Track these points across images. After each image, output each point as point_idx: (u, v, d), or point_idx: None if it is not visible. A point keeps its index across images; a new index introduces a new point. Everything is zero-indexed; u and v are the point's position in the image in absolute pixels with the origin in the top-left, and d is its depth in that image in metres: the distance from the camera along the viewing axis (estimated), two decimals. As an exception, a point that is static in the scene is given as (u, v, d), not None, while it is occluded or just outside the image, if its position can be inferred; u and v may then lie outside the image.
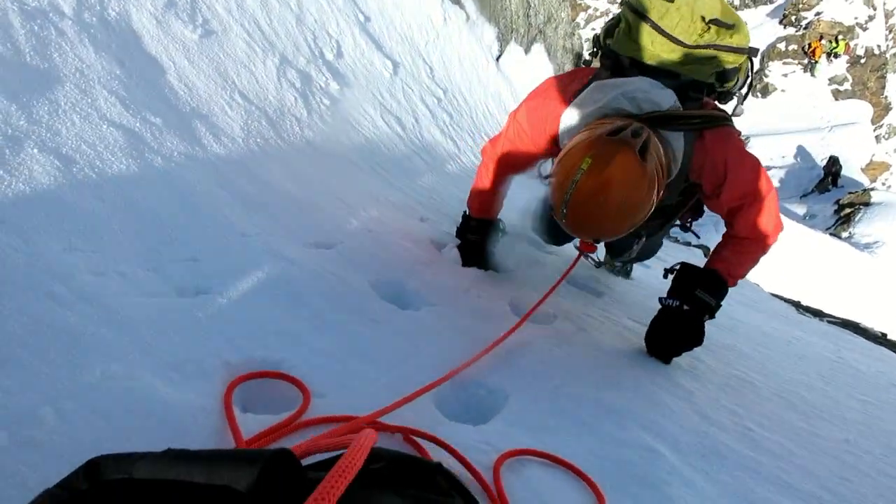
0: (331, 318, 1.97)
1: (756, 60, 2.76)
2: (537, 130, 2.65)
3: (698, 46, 2.50)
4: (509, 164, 2.87)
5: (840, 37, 32.59)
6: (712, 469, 1.94)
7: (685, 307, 2.64)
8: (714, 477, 1.90)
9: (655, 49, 2.49)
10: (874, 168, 31.32)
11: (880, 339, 7.84)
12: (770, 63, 33.89)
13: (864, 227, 22.81)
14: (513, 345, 2.36)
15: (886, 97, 34.29)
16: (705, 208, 2.89)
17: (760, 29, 35.87)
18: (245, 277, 1.95)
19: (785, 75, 33.53)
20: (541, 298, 2.64)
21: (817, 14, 33.60)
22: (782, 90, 33.29)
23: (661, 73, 2.50)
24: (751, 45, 2.62)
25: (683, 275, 2.71)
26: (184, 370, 1.52)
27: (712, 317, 2.69)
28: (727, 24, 2.52)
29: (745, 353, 3.58)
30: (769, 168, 28.90)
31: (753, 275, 15.85)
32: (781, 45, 33.82)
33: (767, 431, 2.39)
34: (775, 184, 27.77)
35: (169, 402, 1.37)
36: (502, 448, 1.64)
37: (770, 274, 16.25)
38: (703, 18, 2.47)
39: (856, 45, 32.76)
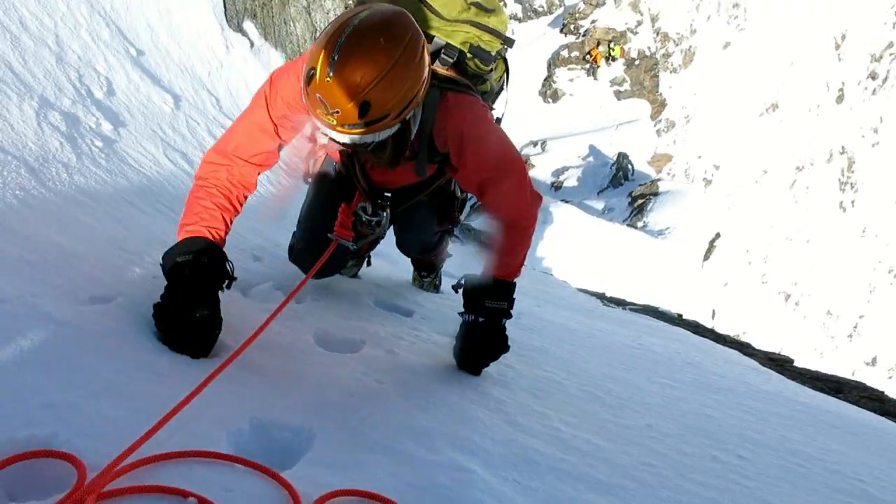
0: (110, 378, 1.81)
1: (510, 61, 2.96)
2: (289, 92, 2.36)
3: (457, 21, 2.63)
4: (248, 155, 2.40)
5: (614, 42, 35.27)
6: (523, 477, 1.98)
7: (481, 319, 2.70)
8: (525, 485, 1.93)
9: (418, 19, 2.32)
10: (658, 160, 34.13)
11: (676, 320, 8.50)
12: (556, 70, 36.04)
13: (655, 216, 24.81)
14: (319, 379, 2.29)
15: (661, 94, 37.57)
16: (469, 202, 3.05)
17: (544, 38, 38.08)
18: (5, 350, 1.74)
19: (571, 80, 35.78)
20: (265, 321, 2.25)
21: (593, 22, 36.19)
22: (570, 94, 35.50)
23: None
24: (508, 35, 2.77)
25: (469, 289, 2.76)
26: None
27: (509, 316, 2.76)
28: (486, 8, 2.67)
29: (553, 352, 3.73)
30: (566, 168, 30.71)
31: (561, 273, 16.75)
32: (564, 53, 36.08)
33: (575, 429, 2.48)
34: (573, 183, 29.60)
35: None
36: (312, 494, 1.57)
37: (576, 269, 17.26)
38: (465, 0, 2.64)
39: (629, 48, 35.60)
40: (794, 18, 53.62)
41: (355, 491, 1.64)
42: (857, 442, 3.47)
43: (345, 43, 1.95)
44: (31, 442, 1.51)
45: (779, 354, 8.07)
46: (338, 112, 2.01)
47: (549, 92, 35.83)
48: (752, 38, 47.82)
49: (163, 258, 2.23)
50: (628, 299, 10.89)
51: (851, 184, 57.68)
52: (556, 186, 30.09)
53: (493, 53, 2.74)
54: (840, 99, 56.84)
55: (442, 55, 2.59)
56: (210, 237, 2.28)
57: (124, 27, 5.09)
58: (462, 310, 2.77)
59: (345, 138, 2.10)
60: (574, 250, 18.67)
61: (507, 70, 2.94)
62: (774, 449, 2.88)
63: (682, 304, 18.78)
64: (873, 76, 59.64)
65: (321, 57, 1.97)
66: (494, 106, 2.96)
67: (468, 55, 2.68)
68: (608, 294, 11.00)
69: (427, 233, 3.33)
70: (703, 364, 4.93)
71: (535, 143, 33.07)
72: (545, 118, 34.96)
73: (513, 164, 2.57)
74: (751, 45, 47.70)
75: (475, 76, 2.75)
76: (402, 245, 3.49)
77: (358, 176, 2.85)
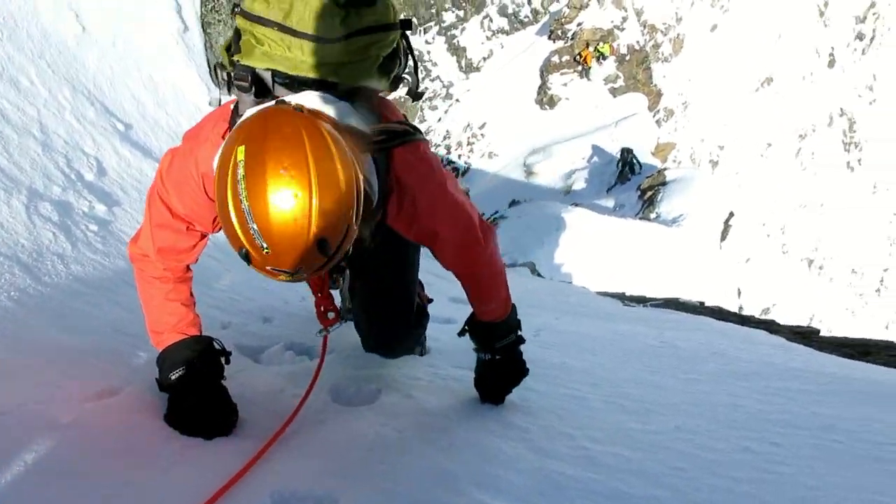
0: (125, 476, 1.77)
1: (411, 40, 2.32)
2: (188, 195, 2.06)
3: (348, 37, 1.96)
4: (175, 254, 2.19)
5: (603, 41, 35.26)
6: None
7: (497, 357, 2.65)
8: (554, 513, 1.89)
9: (295, 55, 1.94)
10: (662, 150, 34.00)
11: (699, 309, 8.42)
12: (549, 76, 36.05)
13: (666, 205, 24.63)
14: (338, 438, 2.25)
15: (655, 85, 37.44)
16: None
17: (533, 47, 38.16)
18: (8, 467, 1.71)
19: (565, 84, 35.77)
20: (294, 410, 2.28)
21: (579, 24, 36.21)
22: (566, 98, 35.46)
23: (315, 84, 1.99)
24: (402, 17, 2.12)
25: (475, 335, 2.67)
26: None
27: (523, 341, 2.69)
28: (364, 1, 2.00)
29: (574, 366, 3.66)
30: (573, 172, 30.64)
31: (581, 277, 16.63)
32: (555, 59, 36.10)
33: (602, 444, 2.42)
34: (581, 185, 29.53)
35: None
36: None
37: (595, 272, 17.14)
38: (335, 2, 1.95)
39: (618, 45, 35.57)
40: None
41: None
42: (889, 405, 3.40)
43: (252, 206, 1.58)
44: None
45: (804, 327, 7.95)
46: (301, 268, 1.69)
47: (546, 99, 35.82)
48: (738, 18, 47.70)
49: (158, 377, 2.19)
50: (650, 294, 10.80)
51: (855, 143, 57.21)
52: (566, 191, 30.02)
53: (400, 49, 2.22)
54: (832, 63, 56.47)
55: (356, 107, 2.03)
56: (187, 335, 2.22)
57: (109, 103, 5.11)
58: (475, 346, 2.72)
59: (328, 268, 1.79)
60: (591, 253, 18.55)
61: (409, 49, 2.31)
62: (806, 428, 2.81)
63: (706, 288, 18.60)
64: (860, 37, 59.34)
65: (239, 233, 1.62)
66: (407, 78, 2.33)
67: (385, 82, 2.18)
68: (629, 293, 10.92)
69: (403, 287, 2.77)
70: (728, 351, 4.86)
71: (537, 151, 33.04)
72: (545, 125, 34.93)
73: (458, 210, 2.28)
74: (737, 25, 47.56)
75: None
76: (376, 334, 2.83)
77: None
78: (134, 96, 5.53)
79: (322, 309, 2.52)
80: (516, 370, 2.70)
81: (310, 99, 1.90)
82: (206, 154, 1.98)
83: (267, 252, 1.62)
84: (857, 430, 2.83)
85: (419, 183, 2.12)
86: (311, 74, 1.96)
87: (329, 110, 1.89)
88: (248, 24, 1.97)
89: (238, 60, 2.01)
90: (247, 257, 1.66)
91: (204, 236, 2.22)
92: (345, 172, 1.66)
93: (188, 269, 2.29)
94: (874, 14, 59.81)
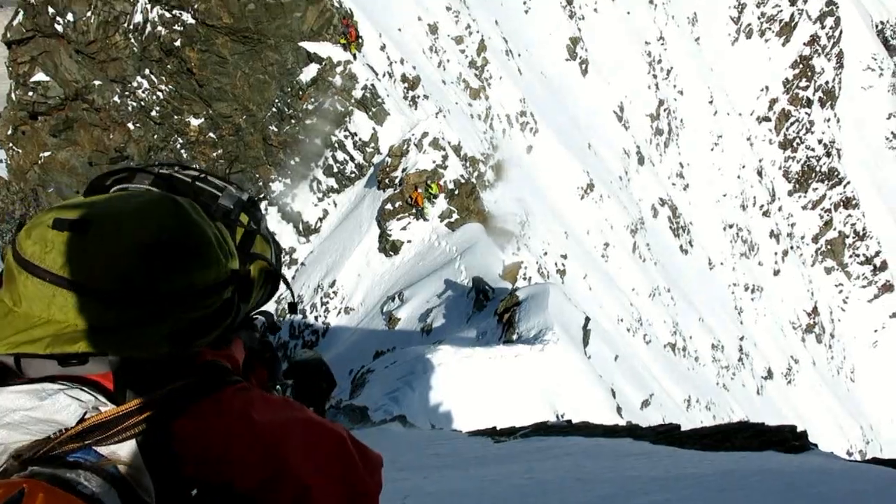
0: None
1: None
2: None
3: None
4: None
5: (430, 181, 36.70)
6: None
7: None
8: None
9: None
10: (510, 271, 35.04)
11: (567, 429, 8.33)
12: (387, 224, 36.86)
13: (525, 324, 25.05)
14: None
15: (488, 211, 39.14)
16: None
17: (366, 199, 39.14)
18: None
19: (404, 228, 36.63)
20: None
21: (403, 170, 37.61)
22: (408, 241, 36.26)
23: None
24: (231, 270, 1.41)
25: None
26: None
27: None
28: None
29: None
30: (429, 311, 30.82)
31: (458, 418, 16.26)
32: (389, 206, 37.06)
33: None
34: (440, 321, 29.71)
35: None
36: None
37: (468, 409, 16.91)
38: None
39: (444, 182, 37.12)
40: (576, 105, 58.51)
41: None
42: (745, 497, 3.49)
43: None
44: None
45: (665, 425, 8.18)
46: None
47: (388, 246, 36.41)
48: (547, 136, 51.42)
49: None
50: (523, 421, 10.66)
51: (682, 227, 62.00)
52: (427, 330, 30.02)
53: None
54: (641, 160, 61.80)
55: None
56: None
57: None
58: None
59: None
60: (461, 389, 18.38)
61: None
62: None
63: (581, 398, 18.77)
64: (658, 132, 65.78)
65: None
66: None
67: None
68: (501, 424, 10.72)
69: None
70: (593, 473, 4.84)
71: (392, 298, 33.15)
72: (393, 271, 35.39)
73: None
74: (548, 141, 51.20)
75: None
76: None
77: None
78: None
79: None
80: None
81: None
82: None
83: None
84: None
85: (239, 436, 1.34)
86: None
87: (39, 413, 1.24)
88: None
89: None
90: None
91: None
92: None
93: None
94: (665, 109, 66.56)
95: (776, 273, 72.29)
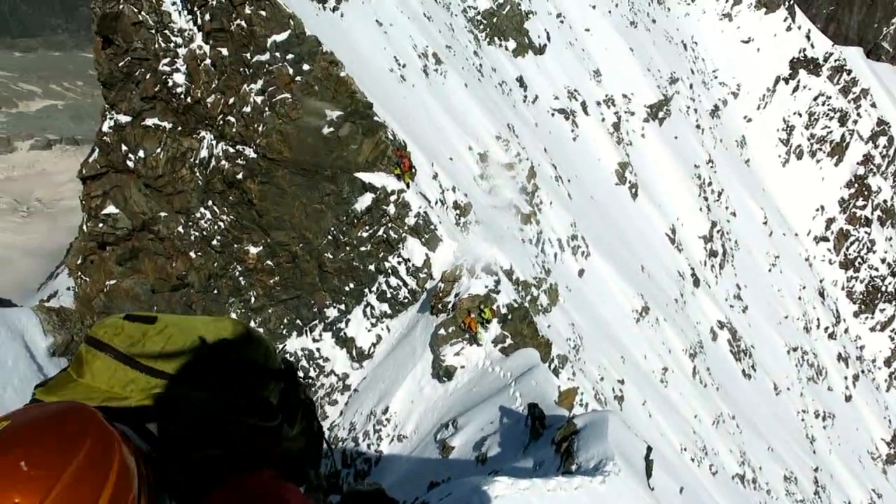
0: None
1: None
2: None
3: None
4: None
5: (483, 305, 36.52)
6: None
7: None
8: None
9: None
10: (566, 397, 34.05)
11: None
12: (440, 349, 36.52)
13: (584, 454, 24.01)
14: None
15: (543, 336, 38.51)
16: None
17: (419, 325, 39.07)
18: None
19: (457, 354, 36.22)
20: None
21: (456, 296, 37.60)
22: (462, 366, 35.76)
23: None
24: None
25: None
26: None
27: None
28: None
29: None
30: (484, 439, 29.92)
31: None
32: (442, 331, 36.83)
33: None
34: (496, 450, 28.77)
35: None
36: None
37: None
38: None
39: (498, 307, 36.90)
40: (628, 228, 58.48)
41: None
42: None
43: None
44: None
45: None
46: None
47: (442, 372, 35.91)
48: (599, 258, 51.22)
49: None
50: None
51: (743, 351, 59.95)
52: (482, 460, 29.04)
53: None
54: (697, 283, 60.76)
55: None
56: None
57: None
58: None
59: None
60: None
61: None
62: None
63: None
64: (713, 254, 65.00)
65: None
66: None
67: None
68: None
69: None
70: None
71: (446, 426, 32.37)
72: (446, 397, 34.76)
73: None
74: (600, 264, 50.92)
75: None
76: None
77: None
78: None
79: None
80: None
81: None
82: None
83: None
84: None
85: None
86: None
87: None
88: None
89: None
90: None
91: None
92: None
93: None
94: (718, 231, 66.07)
95: (848, 399, 68.93)
